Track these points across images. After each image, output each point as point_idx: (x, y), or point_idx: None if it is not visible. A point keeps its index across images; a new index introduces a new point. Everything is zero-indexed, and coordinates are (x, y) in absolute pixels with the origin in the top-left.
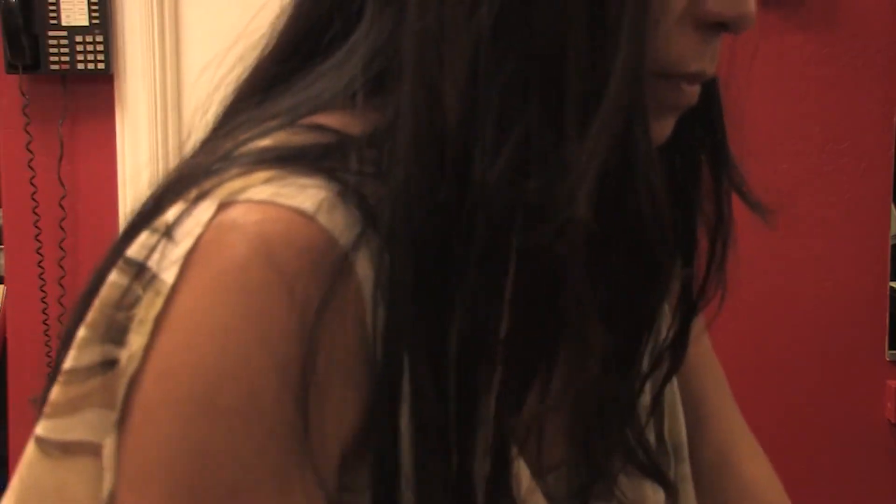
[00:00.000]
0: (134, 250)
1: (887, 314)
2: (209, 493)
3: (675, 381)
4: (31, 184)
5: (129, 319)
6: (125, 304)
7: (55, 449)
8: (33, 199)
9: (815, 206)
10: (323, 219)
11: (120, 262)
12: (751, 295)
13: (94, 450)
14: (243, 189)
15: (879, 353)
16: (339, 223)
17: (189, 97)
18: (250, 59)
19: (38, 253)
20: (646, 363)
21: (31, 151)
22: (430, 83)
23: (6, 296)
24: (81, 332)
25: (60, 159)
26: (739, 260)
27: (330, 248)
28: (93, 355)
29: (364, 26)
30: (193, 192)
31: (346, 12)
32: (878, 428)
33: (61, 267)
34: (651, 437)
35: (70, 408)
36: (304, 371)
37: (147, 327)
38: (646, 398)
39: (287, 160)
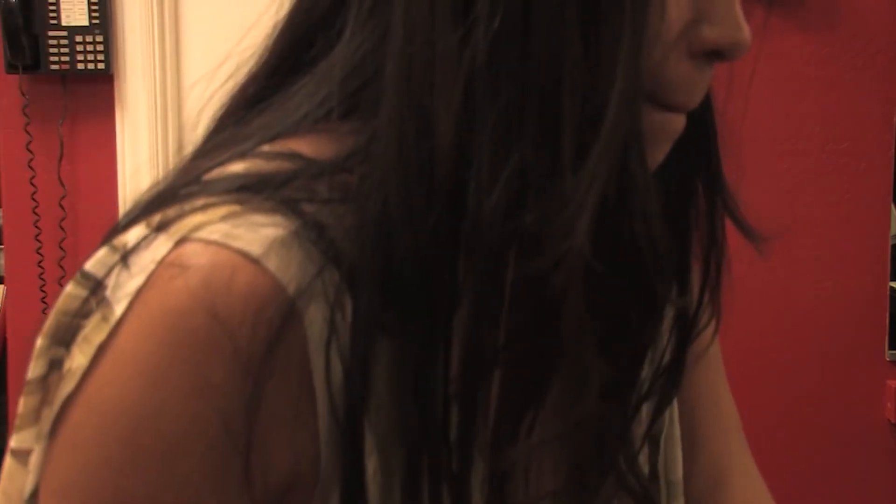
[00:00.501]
0: (91, 265)
1: (887, 314)
2: None
3: (675, 416)
4: (31, 184)
5: (78, 329)
6: (78, 313)
7: (27, 457)
8: (33, 199)
9: (815, 206)
10: (271, 263)
11: (77, 275)
12: (751, 295)
13: None
14: (199, 226)
15: (879, 353)
16: (290, 266)
17: (189, 97)
18: (243, 72)
19: (38, 253)
20: (643, 388)
21: (31, 151)
22: (419, 108)
23: (6, 296)
24: (39, 342)
25: (60, 159)
26: (739, 260)
27: (275, 294)
28: (46, 362)
29: (344, 43)
30: (157, 218)
31: (330, 28)
32: (878, 428)
33: (61, 267)
34: (645, 469)
35: (34, 418)
36: (243, 422)
37: (90, 350)
38: (641, 425)
39: (250, 190)
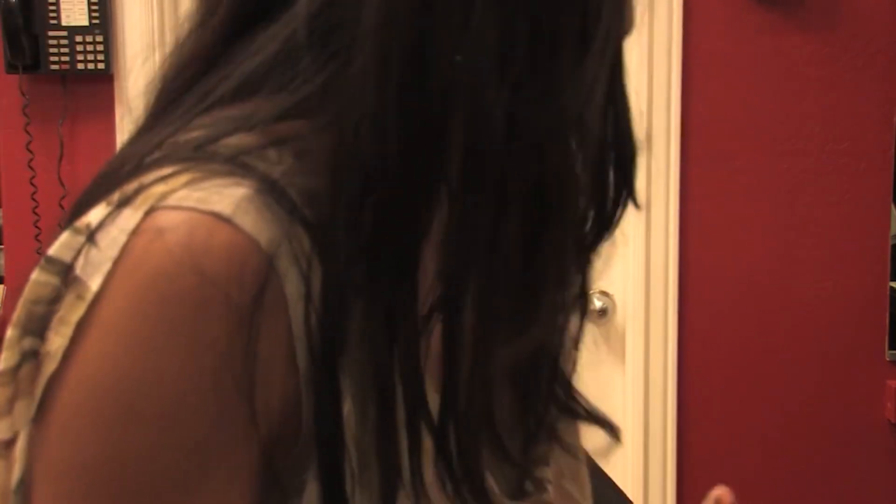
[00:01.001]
0: (56, 250)
1: (887, 314)
2: (127, 495)
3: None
4: (31, 184)
5: (50, 314)
6: (46, 299)
7: (4, 449)
8: (33, 199)
9: (815, 206)
10: (243, 222)
11: (42, 261)
12: (751, 295)
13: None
14: (164, 195)
15: (879, 353)
16: (259, 224)
17: None
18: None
19: (38, 253)
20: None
21: (31, 151)
22: (408, 48)
23: (6, 296)
24: (9, 332)
25: (60, 159)
26: (740, 260)
27: (252, 250)
28: (18, 352)
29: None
30: (116, 196)
31: None
32: (878, 428)
33: None
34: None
35: (6, 409)
36: (242, 370)
37: (68, 330)
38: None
39: (208, 157)
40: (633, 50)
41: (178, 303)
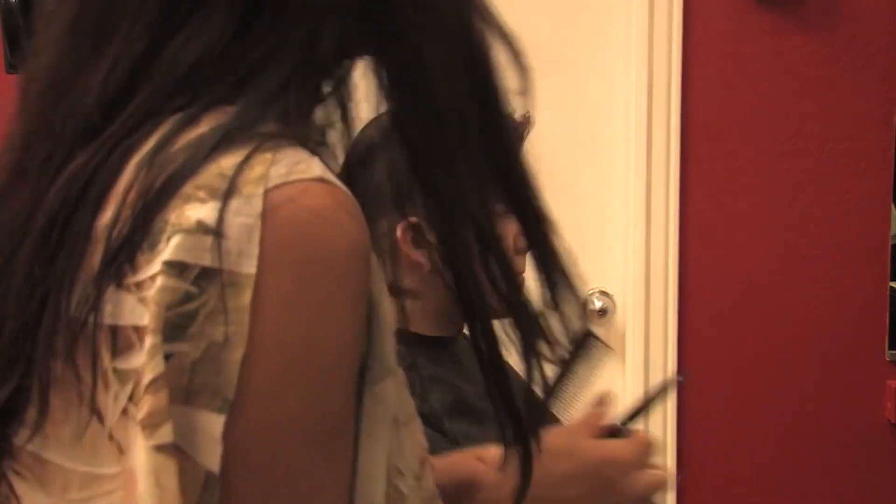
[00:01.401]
0: (174, 254)
1: (887, 314)
2: (325, 433)
3: None
4: None
5: (192, 316)
6: (178, 302)
7: (173, 450)
8: None
9: (815, 206)
10: (332, 178)
11: (164, 267)
12: (751, 295)
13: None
14: (264, 177)
15: (879, 353)
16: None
17: None
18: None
19: None
20: None
21: None
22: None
23: None
24: (149, 341)
25: None
26: (740, 260)
27: (353, 201)
28: (160, 354)
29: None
30: (202, 192)
31: None
32: (878, 428)
33: None
34: None
35: (167, 413)
36: (363, 312)
37: (242, 315)
38: None
39: (258, 138)
40: (634, 50)
41: (334, 259)
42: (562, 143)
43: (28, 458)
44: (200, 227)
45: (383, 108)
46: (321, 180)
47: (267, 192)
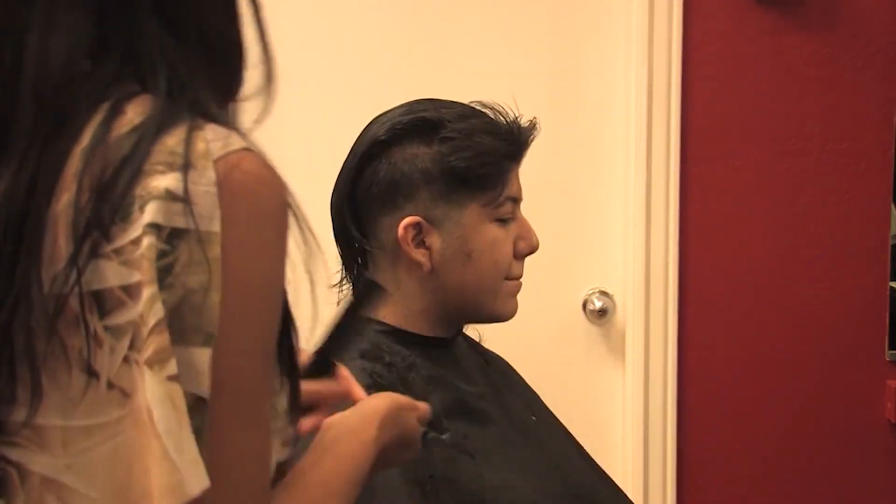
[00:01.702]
0: (154, 217)
1: (887, 314)
2: (272, 351)
3: None
4: None
5: (172, 265)
6: (166, 254)
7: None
8: None
9: (815, 206)
10: (251, 145)
11: (146, 230)
12: (751, 295)
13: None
14: (208, 151)
15: (879, 353)
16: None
17: None
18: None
19: None
20: None
21: None
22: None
23: None
24: (147, 292)
25: None
26: (740, 260)
27: (271, 161)
28: (160, 306)
29: None
30: (161, 167)
31: None
32: (878, 428)
33: None
34: None
35: (170, 351)
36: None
37: (216, 265)
38: None
39: (188, 118)
40: (634, 50)
41: (274, 211)
42: (562, 143)
43: (21, 429)
44: (169, 195)
45: (385, 107)
46: (247, 149)
47: (215, 163)
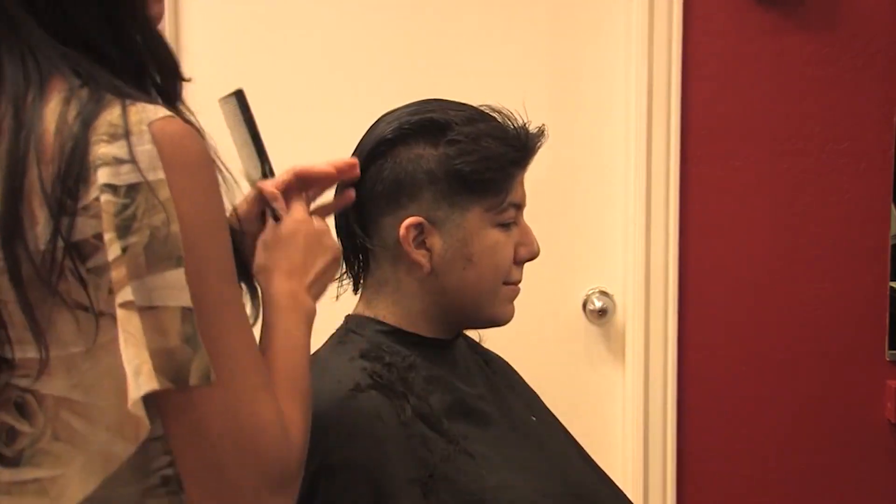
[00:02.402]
0: (109, 178)
1: (887, 314)
2: (228, 268)
3: None
4: None
5: (133, 213)
6: (124, 207)
7: (132, 306)
8: None
9: (815, 206)
10: (171, 113)
11: (106, 189)
12: (751, 295)
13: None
14: (141, 119)
15: (879, 353)
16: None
17: (189, 97)
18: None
19: None
20: None
21: None
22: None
23: None
24: (108, 236)
25: None
26: (740, 260)
27: (187, 121)
28: (119, 246)
29: None
30: (106, 137)
31: None
32: (878, 428)
33: None
34: None
35: (124, 282)
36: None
37: (169, 205)
38: None
39: (119, 94)
40: (634, 50)
41: (200, 158)
42: (562, 143)
43: (33, 364)
44: (116, 160)
45: (386, 107)
46: (170, 116)
47: (149, 127)
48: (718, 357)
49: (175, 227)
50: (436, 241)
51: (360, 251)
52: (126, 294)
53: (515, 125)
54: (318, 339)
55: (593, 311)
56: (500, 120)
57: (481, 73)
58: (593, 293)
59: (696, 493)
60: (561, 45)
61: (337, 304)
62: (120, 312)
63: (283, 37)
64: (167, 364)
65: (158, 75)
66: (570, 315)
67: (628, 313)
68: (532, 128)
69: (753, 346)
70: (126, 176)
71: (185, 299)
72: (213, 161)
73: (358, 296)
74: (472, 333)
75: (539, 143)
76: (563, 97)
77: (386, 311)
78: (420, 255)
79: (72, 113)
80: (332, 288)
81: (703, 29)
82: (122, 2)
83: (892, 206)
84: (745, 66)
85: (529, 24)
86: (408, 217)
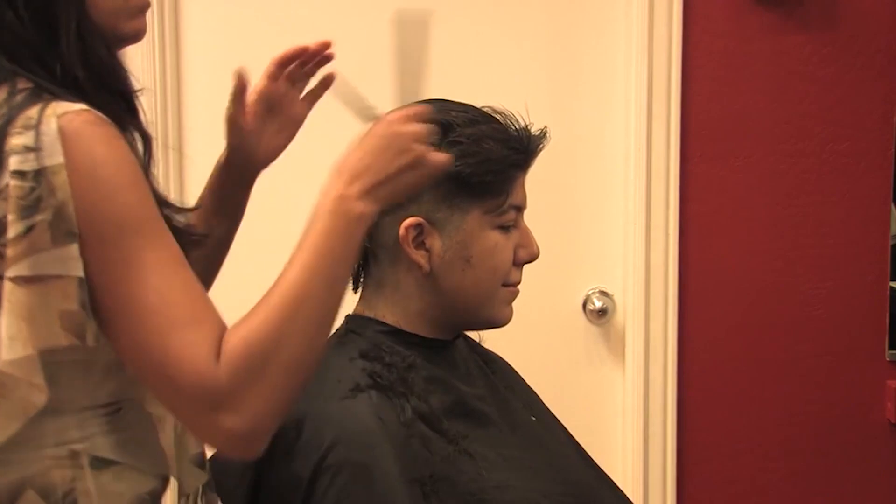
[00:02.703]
0: (17, 165)
1: (887, 314)
2: (139, 229)
3: None
4: None
5: (39, 196)
6: (25, 193)
7: (28, 282)
8: None
9: (815, 206)
10: (90, 108)
11: (14, 175)
12: (751, 295)
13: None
14: (55, 112)
15: (879, 353)
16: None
17: (189, 97)
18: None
19: None
20: None
21: None
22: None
23: None
24: (10, 217)
25: None
26: (740, 260)
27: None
28: (20, 226)
29: None
30: (19, 129)
31: None
32: (878, 428)
33: None
34: None
35: (26, 252)
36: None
37: (66, 186)
38: None
39: (39, 96)
40: (634, 50)
41: (109, 134)
42: (562, 143)
43: None
44: (25, 149)
45: (386, 107)
46: (86, 110)
47: (58, 119)
48: (718, 357)
49: (71, 208)
50: (435, 242)
51: (359, 251)
52: (18, 269)
53: (517, 127)
54: None
55: (593, 311)
56: (501, 122)
57: (481, 74)
58: (593, 293)
59: (696, 493)
60: (561, 45)
61: None
62: (7, 284)
63: (283, 36)
64: (70, 323)
65: (105, 91)
66: (570, 315)
67: (628, 313)
68: (534, 130)
69: (753, 345)
70: (32, 163)
71: (79, 271)
72: (121, 136)
73: (358, 295)
74: (473, 334)
75: (541, 146)
76: (563, 97)
77: (385, 311)
78: (419, 256)
79: (1, 112)
80: None
81: (703, 29)
82: (63, 26)
83: (892, 206)
84: (745, 66)
85: (529, 25)
86: (407, 217)
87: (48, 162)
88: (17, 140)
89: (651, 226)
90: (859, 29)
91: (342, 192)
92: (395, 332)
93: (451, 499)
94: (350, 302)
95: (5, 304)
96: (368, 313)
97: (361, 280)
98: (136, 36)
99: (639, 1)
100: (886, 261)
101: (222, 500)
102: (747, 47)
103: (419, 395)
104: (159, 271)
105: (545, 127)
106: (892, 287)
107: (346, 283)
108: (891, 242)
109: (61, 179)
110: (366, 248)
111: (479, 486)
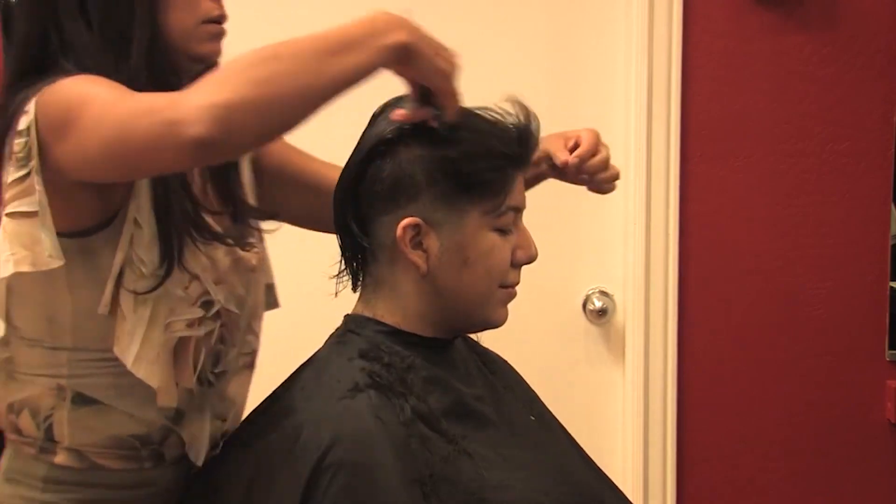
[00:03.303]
0: (20, 137)
1: (887, 314)
2: (116, 151)
3: None
4: None
5: (31, 148)
6: (24, 146)
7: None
8: None
9: (815, 206)
10: None
11: (14, 135)
12: (751, 295)
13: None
14: (40, 90)
15: (879, 353)
16: None
17: None
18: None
19: None
20: None
21: None
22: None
23: None
24: (12, 171)
25: None
26: (740, 260)
27: None
28: (20, 172)
29: None
30: (21, 113)
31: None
32: (878, 428)
33: None
34: None
35: (26, 191)
36: None
37: (33, 141)
38: None
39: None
40: (634, 50)
41: (69, 93)
42: None
43: None
44: (26, 112)
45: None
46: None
47: (39, 94)
48: (718, 357)
49: (37, 178)
50: (433, 243)
51: (359, 250)
52: (15, 206)
53: (517, 127)
54: (317, 339)
55: (593, 311)
56: (500, 121)
57: (481, 73)
58: (593, 293)
59: (696, 493)
60: (561, 45)
61: (337, 305)
62: (5, 219)
63: (283, 36)
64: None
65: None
66: (570, 315)
67: (628, 313)
68: (532, 126)
69: (753, 345)
70: (23, 123)
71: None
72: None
73: (357, 295)
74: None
75: (536, 142)
76: (563, 97)
77: (384, 312)
78: (416, 256)
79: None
80: (331, 285)
81: (703, 29)
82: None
83: (892, 206)
84: (745, 66)
85: (529, 24)
86: (405, 217)
87: (26, 121)
88: (27, 106)
89: (651, 226)
90: (859, 29)
91: (389, 13)
92: (394, 333)
93: (450, 499)
94: (350, 302)
95: (3, 234)
96: (367, 313)
97: (360, 280)
98: (209, 58)
99: (639, 1)
100: (886, 261)
101: (221, 500)
102: (747, 47)
103: (418, 396)
104: (112, 108)
105: (536, 118)
106: (892, 287)
107: (338, 85)
108: (891, 242)
109: (32, 134)
110: (364, 248)
111: (478, 486)
